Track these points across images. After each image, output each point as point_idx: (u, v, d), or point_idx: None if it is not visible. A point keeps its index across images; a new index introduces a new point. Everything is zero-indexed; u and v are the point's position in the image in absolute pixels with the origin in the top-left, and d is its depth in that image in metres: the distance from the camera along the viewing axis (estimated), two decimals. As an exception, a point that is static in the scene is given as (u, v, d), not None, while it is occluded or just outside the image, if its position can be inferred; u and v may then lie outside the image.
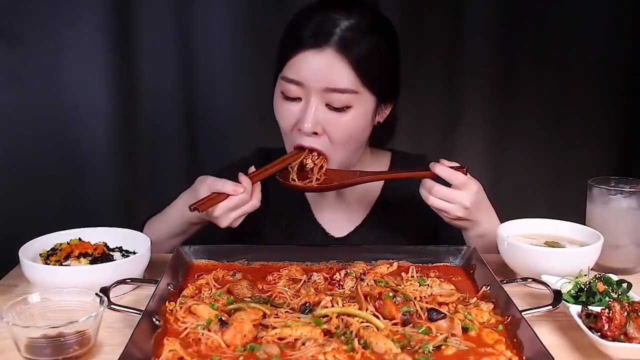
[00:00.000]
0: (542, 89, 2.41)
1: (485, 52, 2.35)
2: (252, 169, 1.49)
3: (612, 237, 1.43)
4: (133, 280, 1.30)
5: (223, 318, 1.09)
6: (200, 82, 2.27)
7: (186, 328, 1.08)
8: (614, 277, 1.25)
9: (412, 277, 1.32)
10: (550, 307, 1.14)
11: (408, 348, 1.02)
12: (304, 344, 1.01)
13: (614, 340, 1.05)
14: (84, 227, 1.48)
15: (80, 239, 1.43)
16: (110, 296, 1.14)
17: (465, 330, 1.08)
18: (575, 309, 1.14)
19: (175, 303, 1.16)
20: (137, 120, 2.26)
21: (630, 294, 1.22)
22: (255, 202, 1.46)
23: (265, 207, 1.50)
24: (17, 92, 2.15)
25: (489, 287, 1.25)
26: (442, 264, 1.43)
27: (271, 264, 1.41)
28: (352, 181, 1.52)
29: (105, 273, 1.27)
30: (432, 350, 1.01)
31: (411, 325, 1.09)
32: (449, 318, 1.10)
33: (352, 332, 1.05)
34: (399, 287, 1.24)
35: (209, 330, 1.06)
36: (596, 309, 1.11)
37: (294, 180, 1.51)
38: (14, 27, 2.10)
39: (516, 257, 1.39)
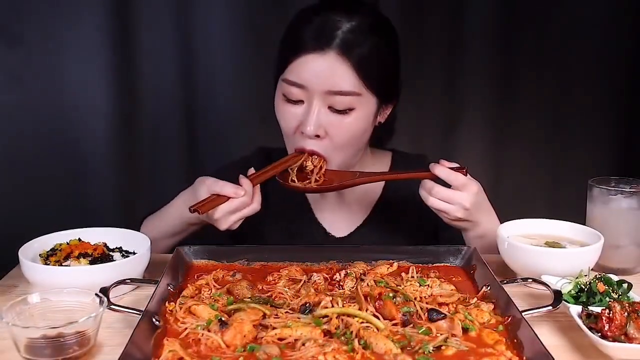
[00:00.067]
0: (542, 89, 2.41)
1: (485, 52, 2.35)
2: (251, 170, 1.49)
3: (613, 237, 1.43)
4: (133, 280, 1.30)
5: (223, 318, 1.08)
6: (200, 82, 2.27)
7: (186, 328, 1.08)
8: (615, 278, 1.25)
9: (412, 277, 1.32)
10: (551, 307, 1.14)
11: (408, 348, 1.02)
12: (304, 345, 1.01)
13: (614, 340, 1.05)
14: (84, 227, 1.48)
15: (80, 239, 1.43)
16: (110, 296, 1.14)
17: (465, 330, 1.08)
18: (575, 310, 1.14)
19: (175, 303, 1.16)
20: (137, 120, 2.26)
21: (631, 294, 1.22)
22: (255, 206, 1.45)
23: (265, 208, 1.50)
24: (17, 92, 2.15)
25: (489, 288, 1.25)
26: (442, 264, 1.42)
27: (271, 264, 1.41)
28: (351, 182, 1.52)
29: (105, 273, 1.27)
30: (432, 350, 1.01)
31: (411, 325, 1.09)
32: (449, 318, 1.10)
33: (352, 332, 1.04)
34: (399, 287, 1.24)
35: (209, 331, 1.06)
36: (596, 309, 1.11)
37: (294, 181, 1.51)
38: (14, 27, 2.10)
39: (516, 257, 1.39)
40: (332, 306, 1.12)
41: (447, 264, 1.43)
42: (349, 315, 1.08)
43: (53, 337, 1.02)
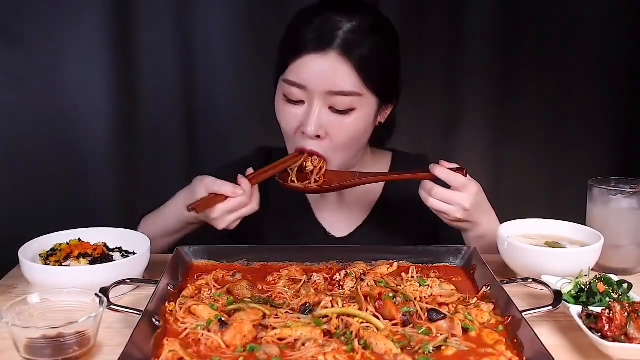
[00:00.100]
0: (542, 89, 2.41)
1: (485, 52, 2.35)
2: (250, 170, 1.49)
3: (613, 237, 1.43)
4: (133, 280, 1.30)
5: (223, 318, 1.08)
6: (200, 82, 2.27)
7: (186, 328, 1.08)
8: (615, 278, 1.25)
9: (412, 277, 1.32)
10: (551, 307, 1.14)
11: (408, 349, 1.02)
12: (304, 345, 1.01)
13: (614, 340, 1.05)
14: (84, 227, 1.48)
15: (79, 240, 1.43)
16: (110, 297, 1.14)
17: (465, 330, 1.08)
18: (575, 310, 1.14)
19: (175, 303, 1.16)
20: (137, 120, 2.26)
21: (631, 294, 1.22)
22: (254, 206, 1.45)
23: (265, 208, 1.50)
24: (17, 92, 2.15)
25: (489, 288, 1.25)
26: (442, 264, 1.42)
27: (271, 264, 1.41)
28: (351, 183, 1.52)
29: (104, 273, 1.27)
30: (432, 350, 1.01)
31: (411, 325, 1.09)
32: (449, 318, 1.10)
33: (352, 332, 1.04)
34: (399, 287, 1.24)
35: (209, 331, 1.06)
36: (596, 309, 1.11)
37: (293, 181, 1.51)
38: (14, 27, 2.10)
39: (516, 257, 1.39)
40: (332, 306, 1.12)
41: (447, 264, 1.42)
42: (349, 316, 1.08)
43: (53, 337, 1.02)
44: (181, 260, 1.39)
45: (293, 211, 1.70)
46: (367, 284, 1.25)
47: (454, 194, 1.41)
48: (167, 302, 1.17)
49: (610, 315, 1.06)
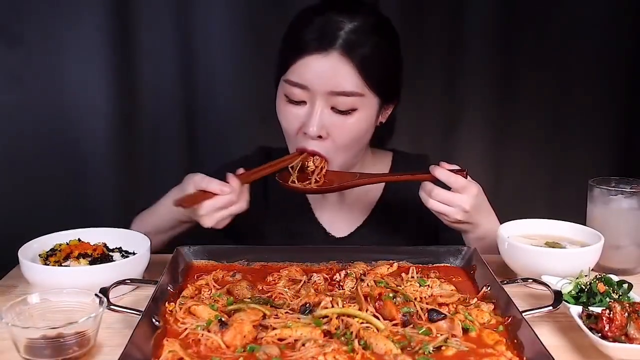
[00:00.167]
0: (542, 89, 2.41)
1: (485, 52, 2.35)
2: (240, 170, 1.48)
3: (613, 237, 1.43)
4: (133, 280, 1.30)
5: (223, 319, 1.08)
6: (200, 82, 2.27)
7: (186, 329, 1.08)
8: (615, 278, 1.25)
9: (413, 277, 1.31)
10: (551, 307, 1.14)
11: (408, 349, 1.02)
12: (304, 345, 1.01)
13: (614, 341, 1.04)
14: (83, 227, 1.48)
15: (79, 240, 1.43)
16: (110, 297, 1.14)
17: (465, 331, 1.08)
18: (575, 310, 1.14)
19: (175, 304, 1.16)
20: (137, 120, 2.26)
21: (631, 294, 1.22)
22: (242, 205, 1.43)
23: (265, 208, 1.49)
24: (17, 92, 2.15)
25: (489, 288, 1.25)
26: (442, 264, 1.42)
27: (271, 264, 1.41)
28: (351, 183, 1.51)
29: (104, 274, 1.27)
30: (433, 351, 1.01)
31: (411, 325, 1.09)
32: (449, 319, 1.09)
33: (352, 332, 1.04)
34: (399, 287, 1.24)
35: (209, 331, 1.06)
36: (597, 309, 1.11)
37: (294, 182, 1.51)
38: (14, 27, 2.10)
39: (516, 257, 1.39)
40: (332, 306, 1.12)
41: (447, 264, 1.42)
42: (349, 316, 1.08)
43: (53, 337, 1.02)
44: (181, 260, 1.39)
45: (293, 211, 1.70)
46: (367, 284, 1.25)
47: (454, 196, 1.41)
48: (167, 303, 1.17)
49: (611, 315, 1.06)
